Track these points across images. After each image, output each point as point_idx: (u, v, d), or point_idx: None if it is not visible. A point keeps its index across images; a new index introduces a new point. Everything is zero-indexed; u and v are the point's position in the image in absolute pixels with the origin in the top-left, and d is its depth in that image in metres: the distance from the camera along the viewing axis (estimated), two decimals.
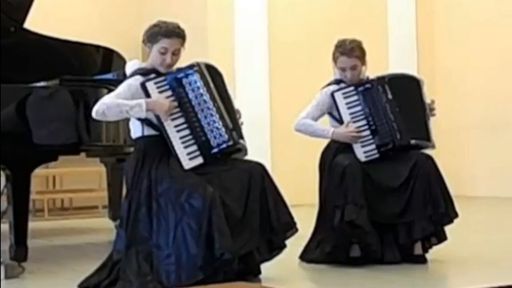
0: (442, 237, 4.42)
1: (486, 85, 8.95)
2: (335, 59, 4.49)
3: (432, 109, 4.58)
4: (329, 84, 4.57)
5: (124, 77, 4.06)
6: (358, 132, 4.39)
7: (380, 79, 4.47)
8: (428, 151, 4.50)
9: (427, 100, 4.57)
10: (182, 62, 3.97)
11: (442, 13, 9.48)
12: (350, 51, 4.43)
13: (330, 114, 4.54)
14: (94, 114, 3.80)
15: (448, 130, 8.43)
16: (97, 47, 5.81)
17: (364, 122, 4.43)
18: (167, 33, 3.87)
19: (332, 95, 4.45)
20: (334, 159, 4.40)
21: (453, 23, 9.31)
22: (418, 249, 4.35)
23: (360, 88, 4.44)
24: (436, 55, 9.49)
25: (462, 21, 9.20)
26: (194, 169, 3.81)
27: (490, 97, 8.91)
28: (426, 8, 9.45)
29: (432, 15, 9.52)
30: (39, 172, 6.88)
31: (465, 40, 9.19)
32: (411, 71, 7.14)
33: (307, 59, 8.18)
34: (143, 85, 3.82)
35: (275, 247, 3.95)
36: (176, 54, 3.90)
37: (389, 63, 8.84)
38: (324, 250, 4.35)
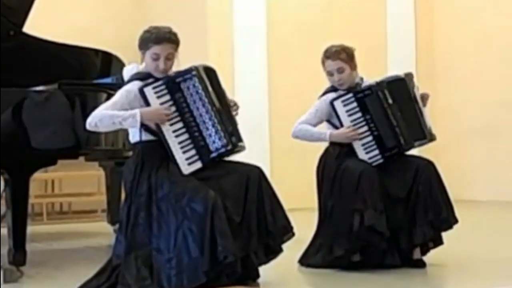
0: (438, 242, 4.44)
1: (487, 88, 8.93)
2: (323, 65, 4.48)
3: (424, 100, 4.56)
4: (326, 92, 4.54)
5: (123, 81, 4.06)
6: (359, 136, 4.38)
7: (379, 84, 4.44)
8: (428, 152, 4.51)
9: (419, 92, 4.55)
10: (182, 63, 3.96)
11: (442, 14, 9.46)
12: (335, 53, 4.42)
13: (329, 122, 4.51)
14: (87, 126, 3.81)
15: (448, 134, 8.42)
16: (96, 51, 5.80)
17: (365, 128, 4.40)
18: (157, 40, 3.87)
19: (331, 103, 4.42)
20: (344, 164, 4.35)
21: (453, 24, 9.30)
22: (417, 253, 4.35)
23: (360, 95, 4.40)
24: (436, 56, 9.48)
25: (462, 22, 9.18)
26: (193, 173, 3.80)
27: (490, 100, 8.88)
28: (425, 9, 9.44)
29: (432, 16, 9.50)
30: (38, 176, 6.88)
31: (465, 41, 9.18)
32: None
33: (306, 61, 8.15)
34: (141, 91, 3.82)
35: (272, 251, 3.91)
36: (169, 58, 3.89)
37: (387, 64, 8.83)
38: (326, 256, 4.32)
